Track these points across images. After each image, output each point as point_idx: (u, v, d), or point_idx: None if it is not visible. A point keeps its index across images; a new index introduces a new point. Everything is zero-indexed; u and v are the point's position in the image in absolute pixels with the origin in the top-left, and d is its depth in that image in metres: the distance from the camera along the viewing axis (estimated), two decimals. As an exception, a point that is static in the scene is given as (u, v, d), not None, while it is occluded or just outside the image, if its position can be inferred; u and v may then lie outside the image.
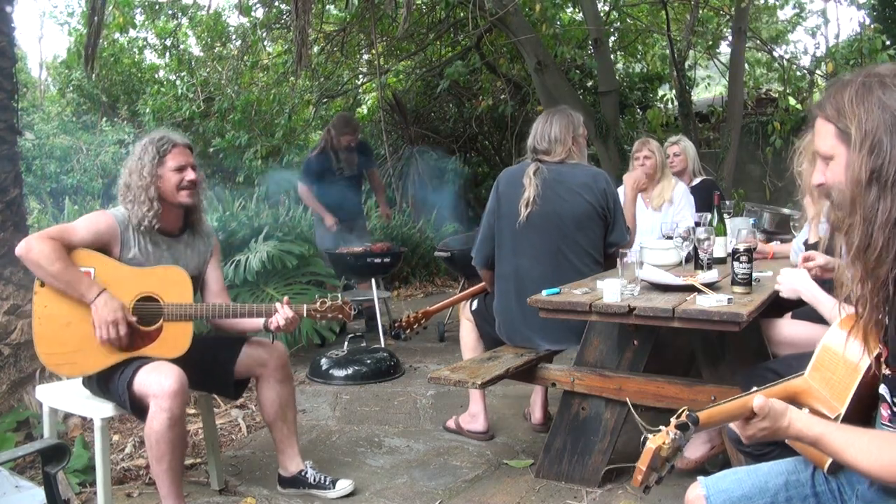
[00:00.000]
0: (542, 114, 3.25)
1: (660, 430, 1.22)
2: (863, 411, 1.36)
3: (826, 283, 2.13)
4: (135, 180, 2.57)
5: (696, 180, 4.72)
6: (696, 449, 2.78)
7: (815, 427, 1.28)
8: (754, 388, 1.38)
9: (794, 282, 2.22)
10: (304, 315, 2.66)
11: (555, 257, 3.06)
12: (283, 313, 2.58)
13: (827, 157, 1.32)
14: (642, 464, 1.20)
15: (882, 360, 1.28)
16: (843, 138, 1.28)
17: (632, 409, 1.44)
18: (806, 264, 2.26)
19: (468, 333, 3.40)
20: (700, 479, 1.46)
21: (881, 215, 1.22)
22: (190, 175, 2.60)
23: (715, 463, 2.86)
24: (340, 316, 2.70)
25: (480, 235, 3.23)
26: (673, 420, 1.23)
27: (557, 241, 3.06)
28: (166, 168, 2.58)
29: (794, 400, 1.40)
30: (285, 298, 2.65)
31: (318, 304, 2.68)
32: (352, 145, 5.46)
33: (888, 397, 1.29)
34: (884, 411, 1.30)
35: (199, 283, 2.74)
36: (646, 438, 1.22)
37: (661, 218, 4.21)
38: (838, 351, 1.38)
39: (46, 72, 13.39)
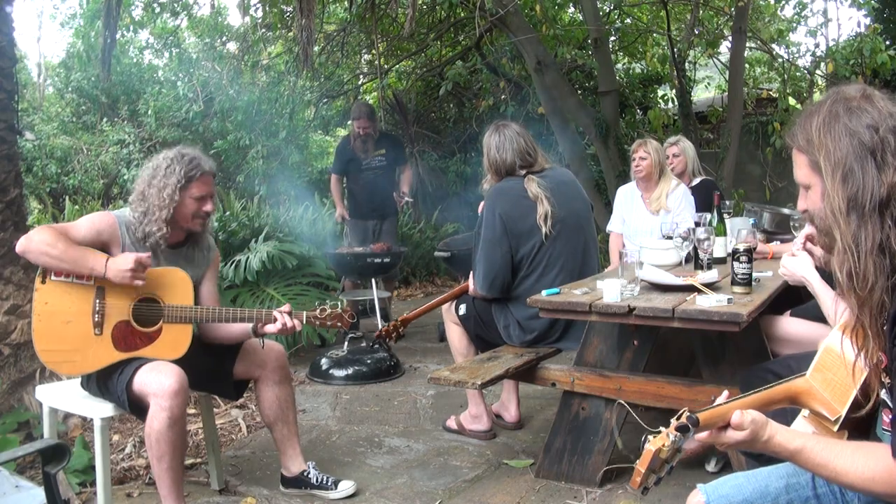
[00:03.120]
0: (498, 131, 3.18)
1: (660, 432, 1.21)
2: (864, 415, 1.36)
3: (827, 274, 2.13)
4: (153, 195, 2.54)
5: (696, 180, 4.72)
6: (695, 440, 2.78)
7: (796, 441, 1.27)
8: (757, 389, 1.37)
9: (798, 269, 2.21)
10: (304, 322, 2.67)
11: (582, 258, 3.15)
12: (281, 320, 2.58)
13: (805, 186, 1.34)
14: (641, 465, 1.20)
15: (881, 368, 1.28)
16: (815, 168, 1.29)
17: (630, 409, 1.43)
18: (808, 246, 2.23)
19: (458, 339, 3.37)
20: (700, 486, 1.45)
21: (865, 243, 1.22)
22: (208, 206, 2.59)
23: (716, 462, 2.86)
24: (339, 324, 2.70)
25: (490, 265, 3.08)
26: (673, 421, 1.23)
27: (583, 241, 3.17)
28: (188, 193, 2.56)
29: (795, 400, 1.40)
30: (286, 306, 2.64)
31: (318, 311, 2.69)
32: (360, 132, 5.44)
33: (889, 403, 1.28)
34: (885, 416, 1.30)
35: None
36: (646, 439, 1.22)
37: (661, 220, 4.20)
38: (840, 353, 1.37)
39: (46, 72, 13.38)
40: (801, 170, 1.33)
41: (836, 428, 1.33)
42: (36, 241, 2.38)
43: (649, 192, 4.30)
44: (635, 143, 4.38)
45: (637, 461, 1.21)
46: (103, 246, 2.52)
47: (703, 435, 1.30)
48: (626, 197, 4.40)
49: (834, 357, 1.39)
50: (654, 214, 4.26)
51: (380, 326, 5.00)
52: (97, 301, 2.46)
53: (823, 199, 1.27)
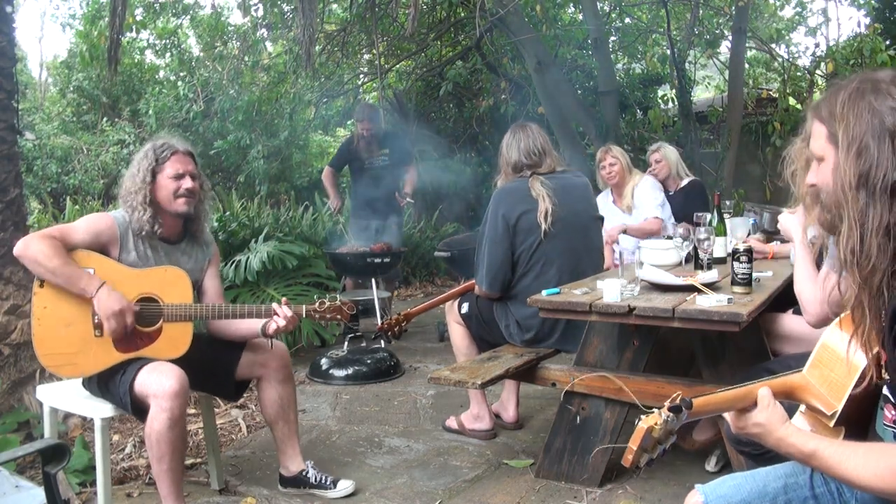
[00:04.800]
0: (513, 130, 3.30)
1: (653, 412, 1.23)
2: (861, 410, 1.36)
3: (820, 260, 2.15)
4: (132, 186, 2.57)
5: (685, 181, 4.77)
6: (703, 431, 2.80)
7: (810, 443, 1.28)
8: (752, 382, 1.38)
9: (791, 226, 2.24)
10: (304, 315, 2.66)
11: (581, 259, 3.17)
12: (282, 313, 2.58)
13: (818, 158, 1.33)
14: (633, 443, 1.22)
15: (882, 363, 1.28)
16: (832, 140, 1.29)
17: (625, 388, 1.44)
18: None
19: (461, 339, 3.37)
20: (698, 486, 1.46)
21: (872, 222, 1.22)
22: (187, 183, 2.58)
23: (715, 462, 2.86)
24: (339, 317, 2.70)
25: (492, 262, 3.14)
26: (667, 402, 1.24)
27: (583, 243, 3.19)
28: (164, 175, 2.57)
29: (792, 395, 1.40)
30: (284, 299, 2.64)
31: (318, 304, 2.69)
32: (364, 133, 5.46)
33: (892, 398, 1.28)
34: (888, 412, 1.30)
35: (196, 290, 2.74)
36: (639, 418, 1.23)
37: (632, 218, 4.32)
38: (837, 349, 1.38)
39: (47, 72, 13.39)
40: (818, 141, 1.32)
41: (832, 423, 1.34)
42: (33, 250, 2.37)
43: (620, 193, 4.39)
44: (599, 152, 4.49)
45: (630, 440, 1.23)
46: (102, 248, 2.52)
47: (730, 416, 1.33)
48: (603, 205, 4.45)
49: (831, 353, 1.39)
50: (627, 213, 4.37)
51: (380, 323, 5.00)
52: None
53: (834, 174, 1.27)
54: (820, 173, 1.33)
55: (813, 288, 2.01)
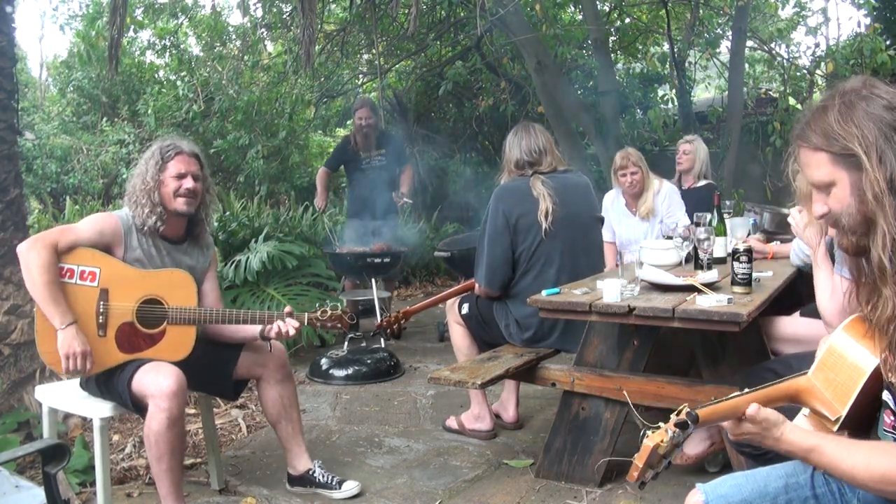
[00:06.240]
0: (516, 129, 3.31)
1: (659, 428, 1.22)
2: (862, 415, 1.36)
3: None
4: (138, 184, 2.59)
5: (701, 182, 4.74)
6: (695, 445, 2.78)
7: (809, 439, 1.28)
8: (758, 387, 1.37)
9: (808, 230, 2.22)
10: (305, 323, 2.70)
11: (581, 259, 3.16)
12: (284, 326, 2.60)
13: (827, 186, 1.29)
14: (639, 460, 1.21)
15: (889, 366, 1.27)
16: (841, 162, 1.26)
17: (632, 408, 1.43)
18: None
19: (461, 338, 3.38)
20: (698, 485, 1.45)
21: None
22: (188, 183, 2.59)
23: (715, 462, 2.86)
24: (339, 325, 2.74)
25: (490, 260, 3.15)
26: (673, 417, 1.23)
27: (583, 243, 3.19)
28: (167, 174, 2.59)
29: (796, 398, 1.39)
30: (287, 308, 2.66)
31: (319, 312, 2.72)
32: (362, 123, 5.45)
33: (892, 404, 1.28)
34: (887, 418, 1.30)
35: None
36: (644, 434, 1.22)
37: (650, 227, 4.23)
38: (843, 353, 1.37)
39: (47, 72, 13.37)
40: (821, 169, 1.28)
41: (835, 428, 1.33)
42: (32, 255, 2.38)
43: (636, 198, 4.29)
44: (619, 158, 4.26)
45: (635, 456, 1.22)
46: (106, 247, 2.53)
47: (727, 423, 1.31)
48: (612, 206, 4.37)
49: (836, 357, 1.38)
50: (644, 220, 4.26)
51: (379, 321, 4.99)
52: (101, 303, 2.47)
53: (856, 191, 1.25)
54: (833, 199, 1.29)
55: (832, 299, 2.01)
